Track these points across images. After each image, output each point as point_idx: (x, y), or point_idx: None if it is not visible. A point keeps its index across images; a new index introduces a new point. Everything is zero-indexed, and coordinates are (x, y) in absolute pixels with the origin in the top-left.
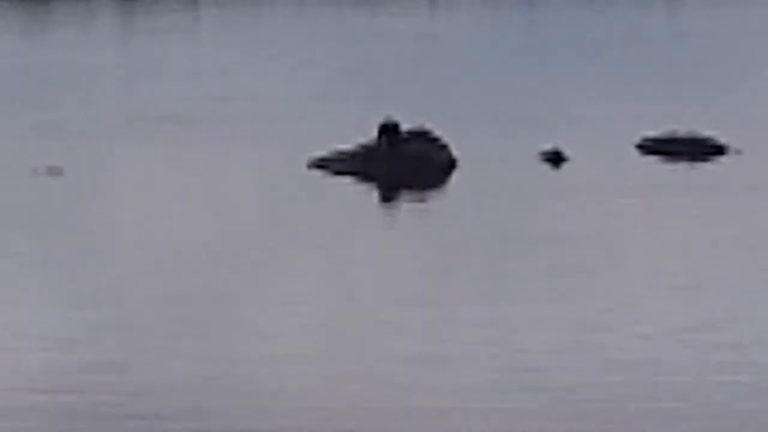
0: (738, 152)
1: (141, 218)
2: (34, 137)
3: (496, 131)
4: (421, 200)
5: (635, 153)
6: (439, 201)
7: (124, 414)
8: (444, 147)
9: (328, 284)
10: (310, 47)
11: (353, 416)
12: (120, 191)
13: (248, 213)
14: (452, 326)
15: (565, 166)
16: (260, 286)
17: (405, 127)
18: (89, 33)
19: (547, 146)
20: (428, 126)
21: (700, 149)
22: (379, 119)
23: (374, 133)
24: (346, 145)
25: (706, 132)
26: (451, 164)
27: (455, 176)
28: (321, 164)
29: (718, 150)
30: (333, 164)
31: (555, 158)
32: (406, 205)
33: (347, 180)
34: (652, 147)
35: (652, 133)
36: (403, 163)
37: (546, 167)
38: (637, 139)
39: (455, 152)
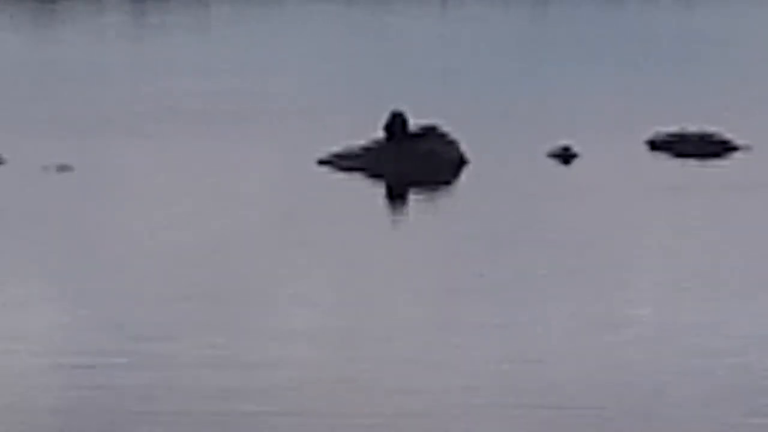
0: (748, 149)
1: (150, 215)
2: (44, 134)
3: (506, 128)
4: (431, 197)
5: (645, 150)
6: (448, 198)
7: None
8: (454, 144)
9: (335, 283)
10: (319, 44)
11: (358, 416)
12: (129, 188)
13: (257, 210)
14: (460, 325)
15: (575, 164)
16: (269, 284)
17: (415, 124)
18: (99, 30)
19: (557, 143)
20: (438, 123)
21: (711, 147)
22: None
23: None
24: (356, 142)
25: (716, 129)
26: (460, 161)
27: (465, 173)
28: (331, 161)
29: (729, 147)
30: (342, 161)
31: (565, 155)
32: (416, 203)
33: (356, 177)
34: (662, 144)
35: (662, 131)
36: (412, 160)
37: (556, 164)
38: (648, 137)
39: (465, 149)
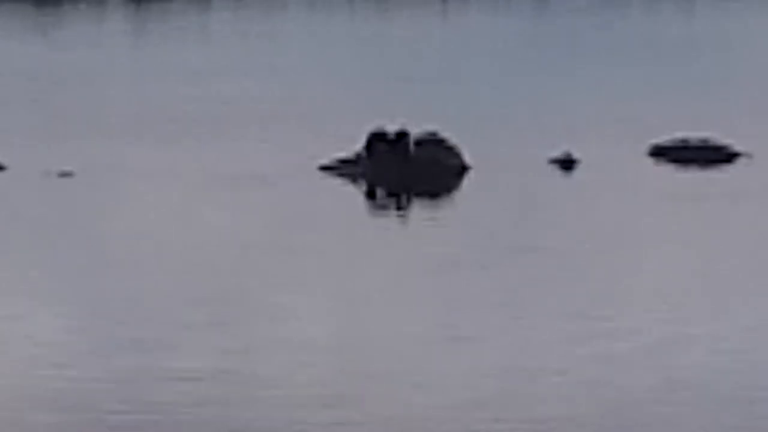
0: (750, 157)
1: (150, 221)
2: (45, 140)
3: (508, 135)
4: (433, 204)
5: (647, 158)
6: (450, 205)
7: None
8: (455, 151)
9: (335, 290)
10: (320, 51)
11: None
12: (130, 194)
13: (258, 215)
14: (460, 335)
15: (577, 172)
16: (269, 291)
17: (416, 132)
18: (100, 35)
19: (559, 151)
20: (439, 130)
21: (712, 154)
22: (392, 123)
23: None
24: (356, 149)
25: (717, 138)
26: (462, 168)
27: (466, 181)
28: (332, 167)
29: (730, 156)
30: (344, 167)
31: (566, 163)
32: (417, 210)
33: (358, 183)
34: (663, 153)
35: (663, 139)
36: (414, 168)
37: (557, 171)
38: (649, 145)
39: (466, 157)
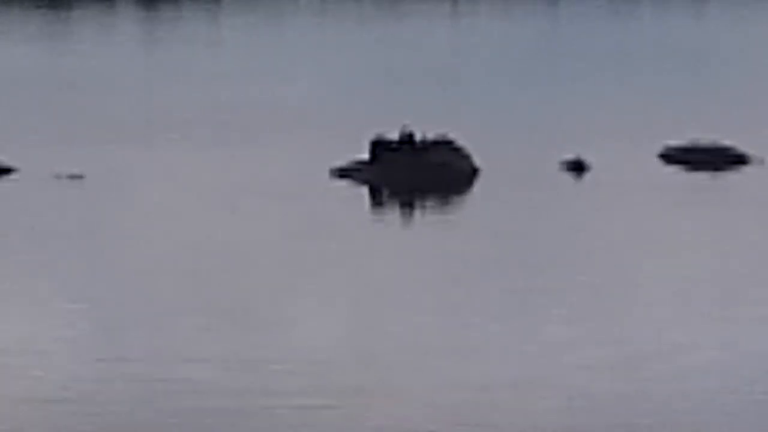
0: (760, 161)
1: (161, 223)
2: (56, 143)
3: (519, 140)
4: (444, 208)
5: (658, 162)
6: (461, 209)
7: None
8: (466, 156)
9: (346, 294)
10: (331, 55)
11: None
12: (140, 197)
13: (268, 219)
14: (469, 340)
15: (588, 176)
16: (281, 294)
17: (428, 135)
18: (111, 40)
19: (570, 155)
20: (450, 135)
21: (723, 158)
22: (399, 128)
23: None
24: (365, 153)
25: (728, 141)
26: (473, 172)
27: (477, 185)
28: (343, 171)
29: (740, 159)
30: (355, 171)
31: (577, 167)
32: (428, 214)
33: (366, 187)
34: (674, 156)
35: (674, 143)
36: (425, 172)
37: (568, 176)
38: (660, 149)
39: (477, 160)
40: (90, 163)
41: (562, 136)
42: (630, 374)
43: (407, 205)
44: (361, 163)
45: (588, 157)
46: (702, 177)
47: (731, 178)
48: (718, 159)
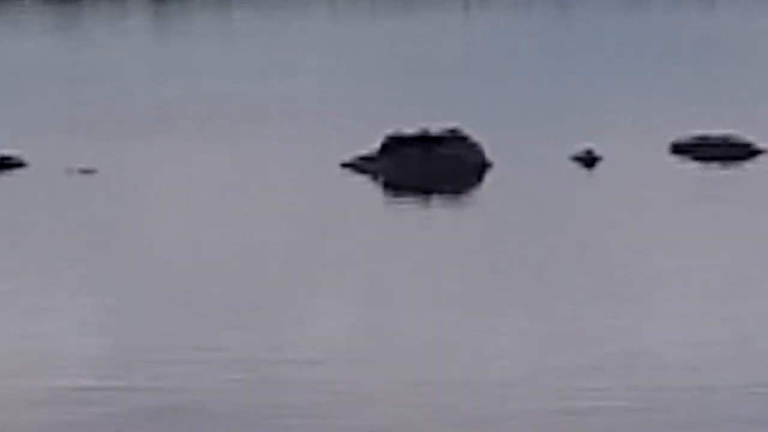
0: None
1: (173, 217)
2: (67, 137)
3: (529, 132)
4: (454, 201)
5: (668, 154)
6: (471, 202)
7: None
8: (477, 148)
9: (357, 288)
10: (342, 48)
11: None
12: (152, 191)
13: (280, 212)
14: (480, 333)
15: (599, 167)
16: (293, 289)
17: (438, 128)
18: (122, 33)
19: (581, 147)
20: (461, 127)
21: (734, 150)
22: (412, 121)
23: (408, 132)
24: (377, 146)
25: (739, 133)
26: (483, 165)
27: (488, 177)
28: (354, 164)
29: (752, 151)
30: (366, 164)
31: (588, 159)
32: (439, 206)
33: (379, 180)
34: (685, 148)
35: (685, 136)
36: (436, 164)
37: (579, 168)
38: (671, 141)
39: (488, 154)
40: (102, 158)
41: (573, 128)
42: (644, 367)
43: (418, 199)
44: (373, 156)
45: (599, 150)
46: (713, 169)
47: (743, 170)
48: (729, 151)
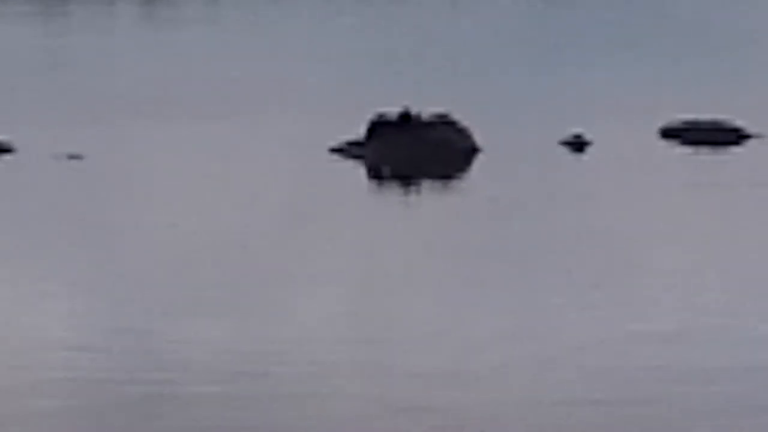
0: (761, 138)
1: (160, 203)
2: (54, 123)
3: (518, 116)
4: (443, 186)
5: (658, 138)
6: (460, 188)
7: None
8: (466, 132)
9: (344, 274)
10: (332, 36)
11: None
12: (139, 177)
13: (268, 198)
14: (471, 317)
15: (588, 152)
16: (279, 274)
17: (427, 113)
18: (110, 19)
19: (570, 131)
20: (450, 111)
21: (723, 135)
22: (399, 106)
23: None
24: (364, 131)
25: (728, 117)
26: (472, 150)
27: (477, 162)
28: (342, 149)
29: (741, 136)
30: (354, 149)
31: (577, 143)
32: (428, 191)
33: (366, 166)
34: (674, 132)
35: (674, 119)
36: (424, 149)
37: (568, 152)
38: (660, 125)
39: (477, 139)
40: (90, 143)
41: (562, 113)
42: (628, 354)
43: (406, 184)
44: (360, 141)
45: (588, 135)
46: (702, 153)
47: (732, 154)
48: (718, 135)
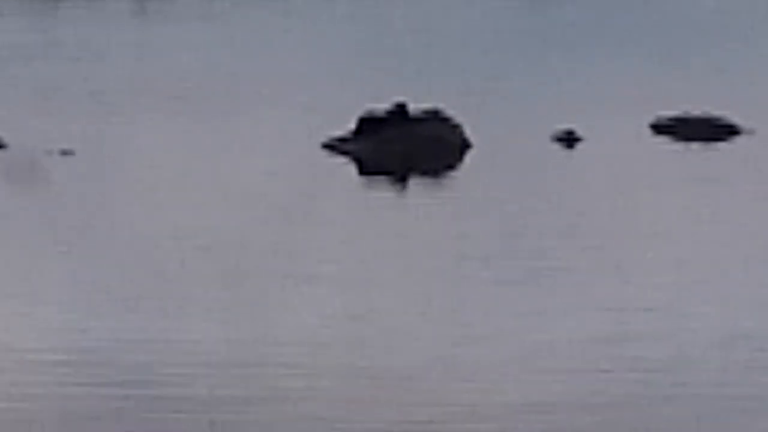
0: (752, 133)
1: (152, 199)
2: (46, 119)
3: (510, 112)
4: (435, 181)
5: (649, 134)
6: (452, 182)
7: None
8: (457, 128)
9: (337, 270)
10: (323, 30)
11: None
12: (131, 172)
13: (259, 193)
14: (461, 314)
15: (579, 147)
16: (275, 267)
17: (418, 108)
18: (103, 14)
19: (561, 127)
20: (441, 107)
21: (714, 130)
22: (392, 101)
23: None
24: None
25: (720, 113)
26: (464, 145)
27: (468, 157)
28: (333, 145)
29: (732, 131)
30: (345, 145)
31: (569, 139)
32: (419, 187)
33: (357, 162)
34: (665, 128)
35: (665, 114)
36: (416, 144)
37: (560, 148)
38: (651, 120)
39: (468, 133)
40: (81, 139)
41: (553, 109)
42: (620, 347)
43: (397, 179)
44: (350, 137)
45: (580, 130)
46: (693, 148)
47: (723, 150)
48: (709, 130)
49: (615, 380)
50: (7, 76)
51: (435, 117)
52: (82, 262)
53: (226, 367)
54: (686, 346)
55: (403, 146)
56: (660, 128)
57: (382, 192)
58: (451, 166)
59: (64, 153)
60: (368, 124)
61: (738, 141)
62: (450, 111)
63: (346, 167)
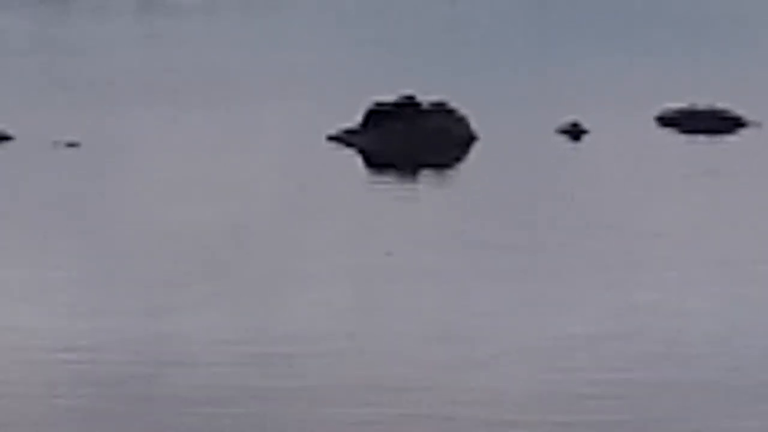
0: (758, 125)
1: (157, 191)
2: (52, 111)
3: (516, 105)
4: (441, 174)
5: (655, 126)
6: (458, 175)
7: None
8: (463, 120)
9: (343, 262)
10: (330, 24)
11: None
12: (137, 164)
13: (265, 185)
14: (468, 301)
15: (585, 140)
16: (281, 260)
17: (425, 100)
18: (109, 7)
19: (567, 120)
20: (448, 100)
21: (720, 123)
22: (397, 94)
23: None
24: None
25: (725, 105)
26: (470, 138)
27: (474, 150)
28: (340, 137)
29: (738, 124)
30: (351, 137)
31: (574, 132)
32: (426, 179)
33: (364, 154)
34: (671, 120)
35: (671, 107)
36: (422, 136)
37: (565, 140)
38: (657, 113)
39: (475, 126)
40: (87, 131)
41: (559, 100)
42: (626, 342)
43: (404, 171)
44: (357, 129)
45: (585, 123)
46: (699, 140)
47: (728, 142)
48: (714, 122)
49: (619, 375)
50: (14, 69)
51: (441, 109)
52: (86, 254)
53: (230, 359)
54: (688, 341)
55: (409, 138)
56: (666, 121)
57: (388, 184)
58: (458, 159)
59: (70, 145)
60: (375, 116)
61: (744, 133)
62: (456, 103)
63: (353, 159)
